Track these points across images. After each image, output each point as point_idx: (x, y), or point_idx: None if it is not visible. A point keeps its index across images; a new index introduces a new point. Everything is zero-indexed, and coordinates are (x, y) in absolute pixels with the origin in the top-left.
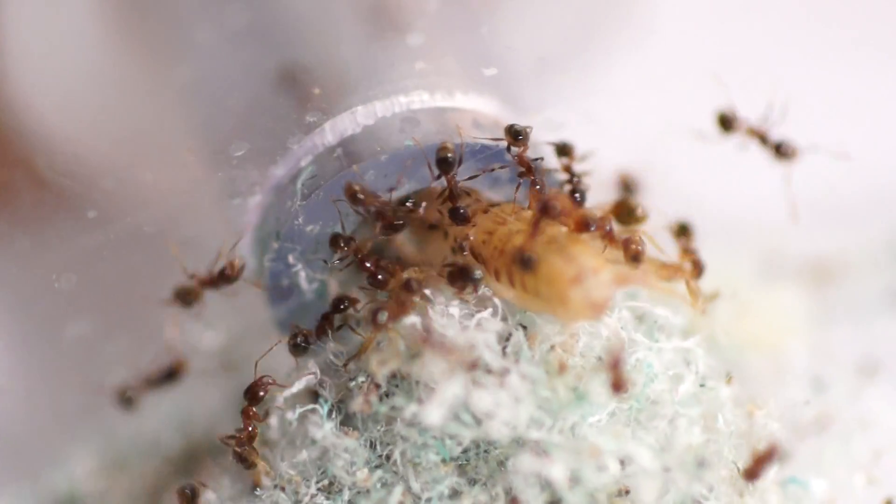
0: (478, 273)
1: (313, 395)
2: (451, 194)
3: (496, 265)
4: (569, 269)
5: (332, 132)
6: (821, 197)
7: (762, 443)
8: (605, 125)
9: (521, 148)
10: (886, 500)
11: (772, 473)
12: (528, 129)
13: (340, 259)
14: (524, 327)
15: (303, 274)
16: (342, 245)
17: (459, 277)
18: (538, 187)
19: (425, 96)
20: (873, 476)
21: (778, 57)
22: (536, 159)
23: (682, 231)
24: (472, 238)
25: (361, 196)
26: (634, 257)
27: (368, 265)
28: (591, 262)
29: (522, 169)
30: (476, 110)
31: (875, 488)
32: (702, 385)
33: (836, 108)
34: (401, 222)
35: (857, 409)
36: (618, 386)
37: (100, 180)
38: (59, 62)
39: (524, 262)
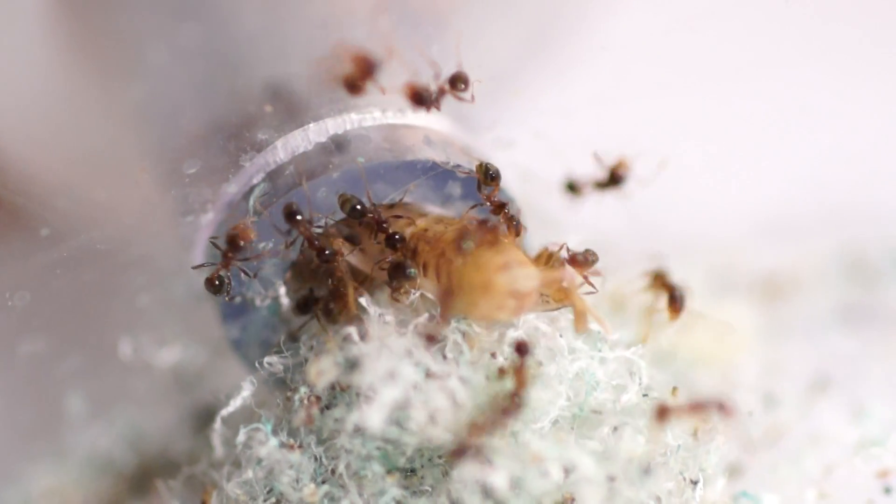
0: (411, 270)
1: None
2: (380, 227)
3: (426, 259)
4: (497, 258)
5: (283, 149)
6: (772, 213)
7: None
8: (556, 143)
9: (493, 188)
10: None
11: (720, 486)
12: (497, 171)
13: (289, 233)
14: (462, 333)
15: (256, 290)
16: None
17: (394, 274)
18: (513, 223)
19: (377, 113)
20: (824, 491)
21: (728, 71)
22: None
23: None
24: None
25: (298, 218)
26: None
27: (316, 242)
28: (521, 257)
29: (493, 208)
30: (427, 127)
31: (825, 501)
32: (645, 395)
33: (788, 124)
34: (328, 252)
35: (808, 424)
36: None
37: (53, 199)
38: (10, 81)
39: (463, 237)
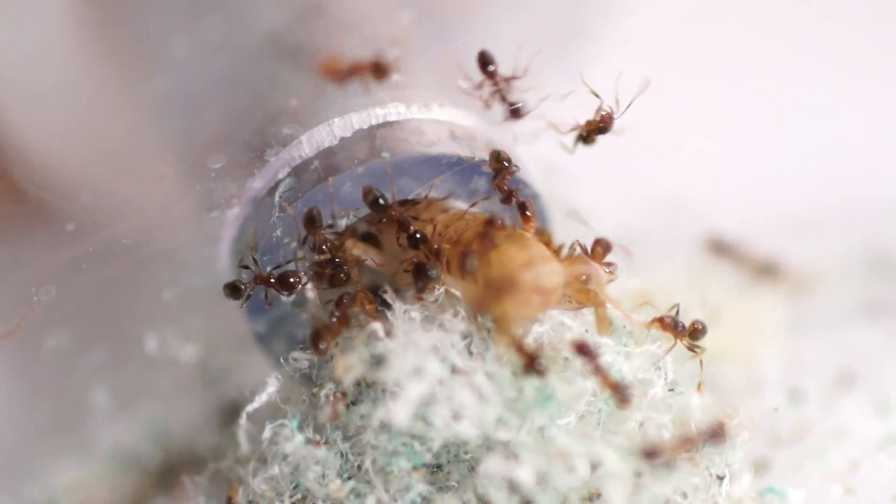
0: (434, 271)
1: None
2: (401, 226)
3: (449, 256)
4: (522, 254)
5: (308, 144)
6: (795, 207)
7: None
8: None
9: (503, 176)
10: None
11: (746, 482)
12: (510, 157)
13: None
14: (488, 329)
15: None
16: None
17: (417, 275)
18: (526, 212)
19: (401, 108)
20: (850, 486)
21: (752, 67)
22: (514, 189)
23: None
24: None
25: (315, 226)
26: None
27: (326, 249)
28: (545, 252)
29: (504, 197)
30: (452, 122)
31: (852, 499)
32: (671, 390)
33: (811, 119)
34: (338, 262)
35: (832, 419)
36: (621, 397)
37: (77, 193)
38: (34, 75)
39: (484, 236)
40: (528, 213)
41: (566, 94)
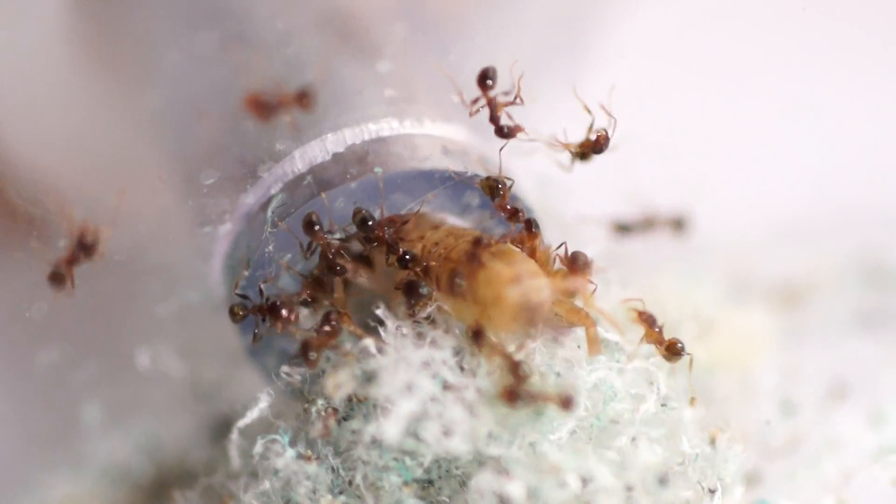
0: (424, 288)
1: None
2: (390, 248)
3: (439, 272)
4: (508, 270)
5: (301, 160)
6: (789, 216)
7: None
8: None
9: (501, 198)
10: None
11: (739, 494)
12: (505, 182)
13: (309, 245)
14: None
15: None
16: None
17: (408, 292)
18: (532, 229)
19: (395, 123)
20: (843, 498)
21: (743, 72)
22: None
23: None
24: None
25: (317, 228)
26: (580, 267)
27: (330, 256)
28: (531, 267)
29: (507, 216)
30: (444, 137)
31: None
32: (664, 405)
33: (805, 126)
34: (340, 267)
35: (826, 430)
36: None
37: (70, 209)
38: (26, 89)
39: (472, 256)
40: (533, 230)
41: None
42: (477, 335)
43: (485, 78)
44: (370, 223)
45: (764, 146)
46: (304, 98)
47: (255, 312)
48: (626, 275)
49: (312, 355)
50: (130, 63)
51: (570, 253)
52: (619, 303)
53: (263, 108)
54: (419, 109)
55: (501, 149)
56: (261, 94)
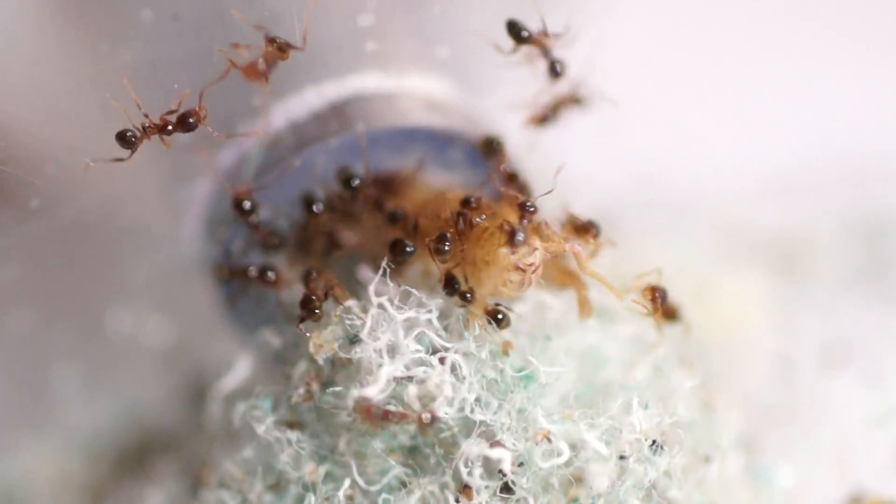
0: (410, 248)
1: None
2: (377, 205)
3: (428, 232)
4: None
5: (279, 116)
6: (784, 172)
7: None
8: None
9: (499, 160)
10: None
11: (736, 461)
12: (501, 141)
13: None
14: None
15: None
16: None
17: (394, 252)
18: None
19: (376, 78)
20: (841, 461)
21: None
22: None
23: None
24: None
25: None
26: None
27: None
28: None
29: (503, 179)
30: (428, 92)
31: (843, 474)
32: (657, 371)
33: (798, 78)
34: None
35: (823, 392)
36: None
37: (42, 165)
38: None
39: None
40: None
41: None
42: (448, 283)
43: (517, 31)
44: (354, 182)
45: (756, 100)
46: (281, 48)
47: (237, 275)
48: (614, 230)
49: (317, 306)
50: (104, 17)
51: (578, 217)
52: (633, 278)
53: (261, 74)
54: (402, 64)
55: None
56: (254, 63)
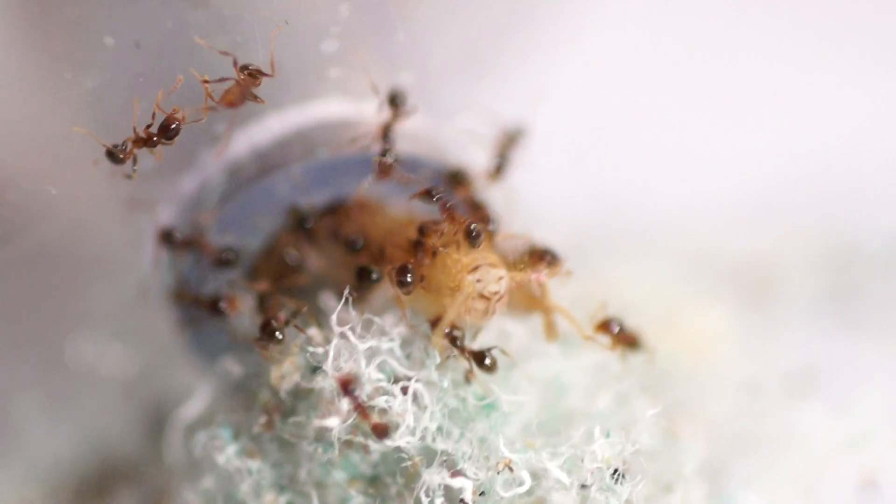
0: (376, 275)
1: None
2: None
3: (393, 261)
4: (466, 259)
5: (242, 142)
6: (752, 200)
7: None
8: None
9: (465, 190)
10: None
11: (700, 489)
12: (466, 172)
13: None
14: (429, 335)
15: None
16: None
17: (360, 279)
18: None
19: (340, 105)
20: (807, 490)
21: (707, 55)
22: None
23: None
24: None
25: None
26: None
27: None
28: (490, 258)
29: (469, 209)
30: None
31: (808, 502)
32: (620, 399)
33: (768, 103)
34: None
35: (790, 420)
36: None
37: (3, 193)
38: None
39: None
40: (490, 224)
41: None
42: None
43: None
44: (308, 225)
45: (722, 128)
46: (252, 75)
47: (196, 303)
48: (582, 258)
49: (277, 328)
50: (66, 46)
51: (539, 247)
52: (591, 314)
53: (238, 100)
54: (365, 90)
55: None
56: (229, 90)
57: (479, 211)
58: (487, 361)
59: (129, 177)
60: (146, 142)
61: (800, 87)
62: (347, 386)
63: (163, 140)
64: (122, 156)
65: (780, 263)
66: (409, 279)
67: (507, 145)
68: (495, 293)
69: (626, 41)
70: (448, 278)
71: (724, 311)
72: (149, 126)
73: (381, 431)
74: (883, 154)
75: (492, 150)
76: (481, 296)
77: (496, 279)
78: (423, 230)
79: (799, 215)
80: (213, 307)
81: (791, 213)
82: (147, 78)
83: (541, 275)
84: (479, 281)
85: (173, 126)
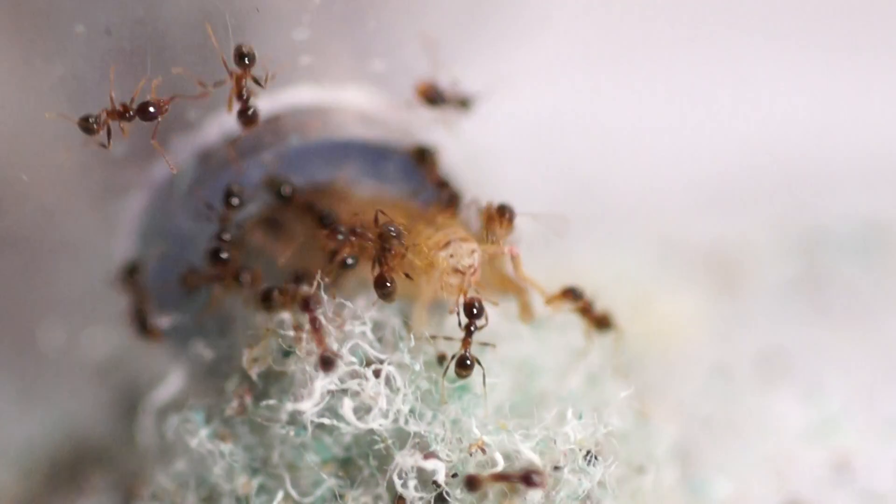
0: (351, 260)
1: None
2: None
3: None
4: (438, 236)
5: (214, 129)
6: (721, 183)
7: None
8: (498, 114)
9: (431, 169)
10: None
11: (672, 472)
12: (434, 150)
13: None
14: (404, 319)
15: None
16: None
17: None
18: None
19: (312, 91)
20: (778, 474)
21: (675, 40)
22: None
23: None
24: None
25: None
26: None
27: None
28: (461, 233)
29: (435, 187)
30: (364, 105)
31: (779, 486)
32: (592, 381)
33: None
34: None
35: (760, 405)
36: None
37: None
38: None
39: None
40: (454, 202)
41: None
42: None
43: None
44: (285, 190)
45: (690, 112)
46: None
47: (212, 281)
48: (551, 243)
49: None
50: (36, 34)
51: (491, 204)
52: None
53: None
54: (338, 77)
55: None
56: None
57: (445, 188)
58: (468, 363)
59: (103, 146)
60: (121, 115)
61: (769, 72)
62: (308, 303)
63: (139, 117)
64: (95, 126)
65: (750, 248)
66: (388, 288)
67: (451, 101)
68: (469, 266)
69: (594, 27)
70: (420, 257)
71: (694, 296)
72: (129, 102)
73: (327, 362)
74: (853, 139)
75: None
76: (455, 270)
77: (469, 252)
78: (383, 237)
79: (769, 200)
80: (235, 278)
81: (761, 199)
82: (118, 65)
83: (514, 247)
84: (451, 256)
85: (152, 109)
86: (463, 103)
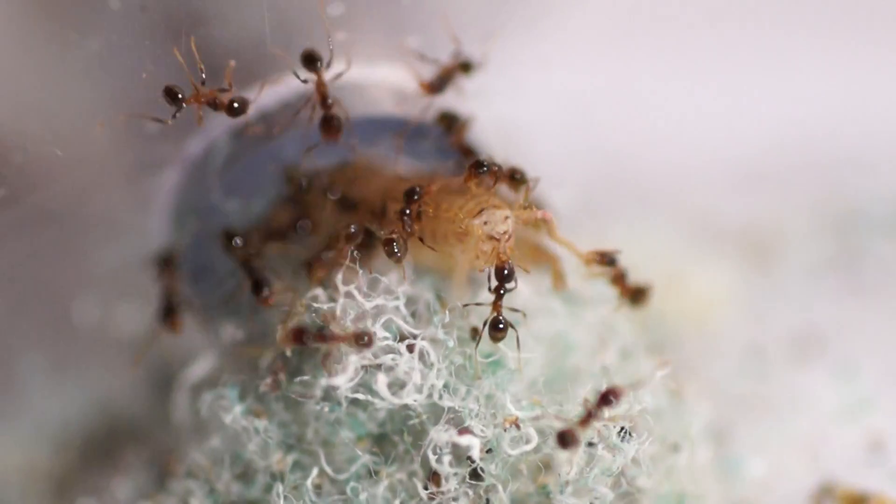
0: (381, 234)
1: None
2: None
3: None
4: (470, 203)
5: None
6: (755, 162)
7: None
8: (532, 92)
9: (457, 133)
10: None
11: (706, 450)
12: (458, 115)
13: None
14: (437, 294)
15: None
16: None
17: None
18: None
19: (345, 67)
20: (812, 453)
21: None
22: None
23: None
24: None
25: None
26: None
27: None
28: (494, 199)
29: (461, 154)
30: (398, 82)
31: (814, 465)
32: (625, 357)
33: (773, 72)
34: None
35: (795, 384)
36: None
37: (8, 155)
38: None
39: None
40: (480, 170)
41: None
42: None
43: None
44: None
45: (725, 90)
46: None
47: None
48: (587, 219)
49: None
50: (71, 9)
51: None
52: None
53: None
54: (372, 53)
55: None
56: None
57: (470, 154)
58: (501, 325)
59: (162, 122)
60: (209, 101)
61: (805, 52)
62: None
63: (221, 111)
64: (181, 98)
65: (784, 228)
66: (396, 250)
67: (453, 70)
68: (504, 233)
69: (629, 4)
70: (454, 226)
71: (728, 275)
72: (222, 90)
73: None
74: (887, 119)
75: (438, 69)
76: (490, 237)
77: (502, 219)
78: (407, 196)
79: (803, 180)
80: (257, 288)
81: (795, 178)
82: (152, 41)
83: (546, 212)
84: (486, 223)
85: (237, 105)
86: (464, 67)
